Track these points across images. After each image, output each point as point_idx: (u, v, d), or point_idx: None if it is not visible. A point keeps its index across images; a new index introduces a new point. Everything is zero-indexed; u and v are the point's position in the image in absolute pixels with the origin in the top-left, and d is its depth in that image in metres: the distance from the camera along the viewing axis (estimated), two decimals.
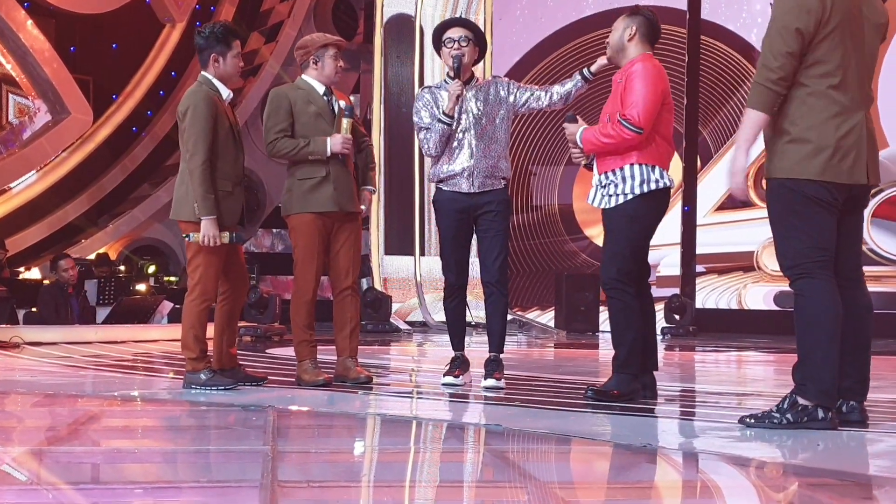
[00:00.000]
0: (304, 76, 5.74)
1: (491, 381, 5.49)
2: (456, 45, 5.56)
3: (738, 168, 3.99)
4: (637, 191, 4.92)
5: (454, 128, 5.54)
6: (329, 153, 5.56)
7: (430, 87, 5.79)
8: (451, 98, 5.49)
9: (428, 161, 5.75)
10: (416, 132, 5.75)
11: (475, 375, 5.72)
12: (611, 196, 4.98)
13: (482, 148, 5.55)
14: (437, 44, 5.67)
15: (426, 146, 5.63)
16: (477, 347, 6.63)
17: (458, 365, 5.68)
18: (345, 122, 5.62)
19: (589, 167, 5.17)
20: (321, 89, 5.70)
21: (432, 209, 5.98)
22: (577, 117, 5.14)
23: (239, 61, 5.46)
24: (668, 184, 5.02)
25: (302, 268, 5.63)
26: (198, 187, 5.23)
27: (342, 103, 5.70)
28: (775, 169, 4.04)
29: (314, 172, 5.60)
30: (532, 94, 5.64)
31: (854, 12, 4.01)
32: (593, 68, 5.52)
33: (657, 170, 4.95)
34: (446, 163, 5.59)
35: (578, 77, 5.59)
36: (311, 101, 5.65)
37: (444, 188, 5.62)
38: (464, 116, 5.55)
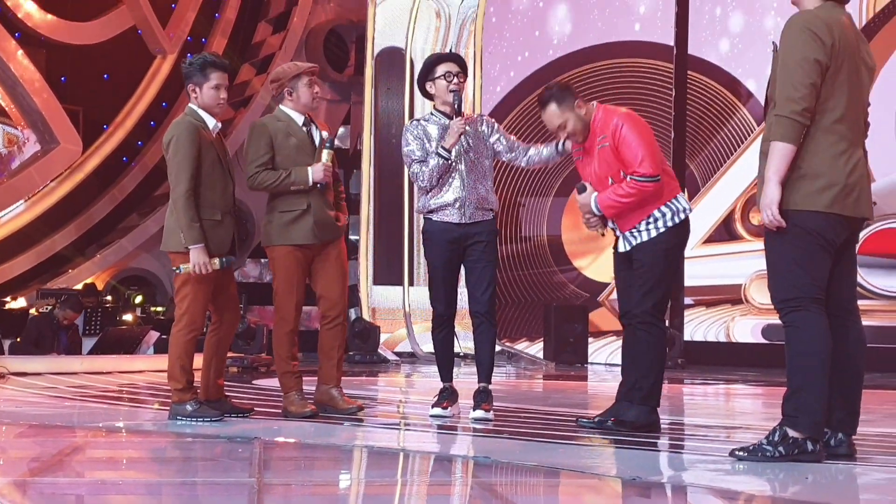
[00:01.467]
0: (281, 107, 5.72)
1: (480, 413, 5.47)
2: (455, 81, 5.58)
3: (771, 200, 3.98)
4: (670, 223, 5.05)
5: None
6: (311, 183, 5.55)
7: (418, 119, 5.80)
8: (454, 134, 5.49)
9: (417, 192, 5.75)
10: (406, 165, 5.74)
11: (464, 407, 5.70)
12: (641, 231, 5.06)
13: (472, 179, 5.58)
14: (429, 74, 5.65)
15: (421, 179, 5.61)
16: (465, 378, 6.60)
17: (447, 396, 5.67)
18: (325, 154, 5.60)
19: (603, 233, 5.25)
20: (300, 119, 5.69)
21: (421, 239, 5.97)
22: (587, 185, 5.18)
23: (219, 93, 5.42)
24: (689, 207, 5.17)
25: (282, 299, 5.63)
26: (182, 217, 5.23)
27: (324, 134, 5.69)
28: (781, 201, 4.02)
29: (295, 205, 5.58)
30: (507, 147, 5.67)
31: (855, 51, 4.07)
32: (567, 146, 5.54)
33: (679, 198, 5.10)
34: (436, 194, 5.60)
35: (555, 150, 5.63)
36: (290, 133, 5.64)
37: (434, 218, 5.63)
38: (454, 148, 5.57)
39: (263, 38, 16.37)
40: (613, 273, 5.36)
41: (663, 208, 5.05)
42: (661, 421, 5.17)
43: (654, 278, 5.05)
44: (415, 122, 5.77)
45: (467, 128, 5.56)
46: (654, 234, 5.04)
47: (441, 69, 5.62)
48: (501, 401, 6.54)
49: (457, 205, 5.56)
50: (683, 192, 11.94)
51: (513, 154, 5.70)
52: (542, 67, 13.68)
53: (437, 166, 5.53)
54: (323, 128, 5.76)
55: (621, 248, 5.17)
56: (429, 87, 5.69)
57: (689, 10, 12.85)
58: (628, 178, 4.99)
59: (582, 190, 5.19)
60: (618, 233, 5.18)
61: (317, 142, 5.68)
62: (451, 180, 5.58)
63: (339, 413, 5.59)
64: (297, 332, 5.67)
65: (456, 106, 5.54)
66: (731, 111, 12.46)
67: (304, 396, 5.63)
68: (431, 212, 5.64)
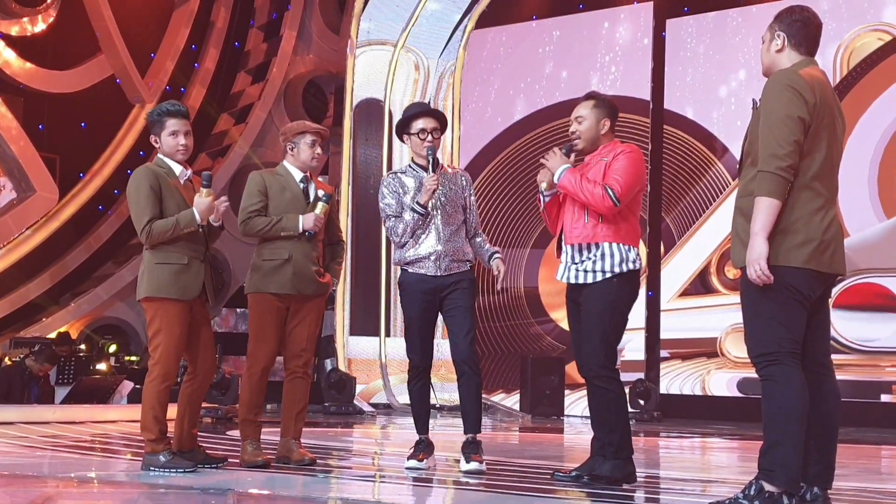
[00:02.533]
0: (284, 162, 5.86)
1: (473, 465, 5.43)
2: (430, 138, 5.61)
3: (758, 255, 4.00)
4: (616, 269, 4.99)
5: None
6: (301, 230, 5.60)
7: (395, 172, 5.80)
8: (428, 192, 5.52)
9: (393, 245, 5.74)
10: (382, 219, 5.76)
11: (440, 458, 5.66)
12: (587, 272, 5.02)
13: (448, 233, 5.60)
14: (405, 128, 5.69)
15: (395, 234, 5.63)
16: (441, 430, 6.57)
17: (423, 448, 5.63)
18: (319, 206, 5.68)
19: (544, 194, 5.18)
20: (298, 176, 5.79)
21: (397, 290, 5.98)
22: (572, 154, 5.19)
23: (177, 139, 5.47)
24: (641, 265, 5.14)
25: (254, 346, 5.66)
26: (165, 232, 5.28)
27: (321, 192, 5.76)
28: None
29: (278, 254, 5.64)
30: (468, 223, 5.71)
31: (831, 109, 4.13)
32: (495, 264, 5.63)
33: (633, 250, 5.06)
34: (413, 247, 5.61)
35: (487, 261, 5.69)
36: (286, 187, 5.74)
37: (410, 270, 5.64)
38: (431, 201, 5.59)
39: (242, 89, 16.43)
40: (568, 322, 5.32)
41: (614, 247, 5.01)
42: (638, 474, 5.15)
43: (603, 330, 4.99)
44: (392, 175, 5.79)
45: (441, 182, 5.59)
46: (599, 278, 4.99)
47: (416, 126, 5.64)
48: None
49: (433, 258, 5.57)
50: (656, 250, 11.85)
51: (471, 231, 5.77)
52: (519, 120, 13.82)
53: (411, 221, 5.56)
54: (322, 187, 5.83)
55: (563, 277, 5.11)
56: (405, 139, 5.74)
57: (665, 66, 13.04)
58: (602, 185, 4.98)
59: (567, 152, 5.16)
60: (564, 256, 5.12)
61: (311, 198, 5.75)
62: (426, 234, 5.59)
63: (292, 464, 5.61)
64: (265, 380, 5.68)
65: (430, 163, 5.57)
66: (707, 166, 12.59)
67: (260, 446, 5.66)
68: (408, 264, 5.64)
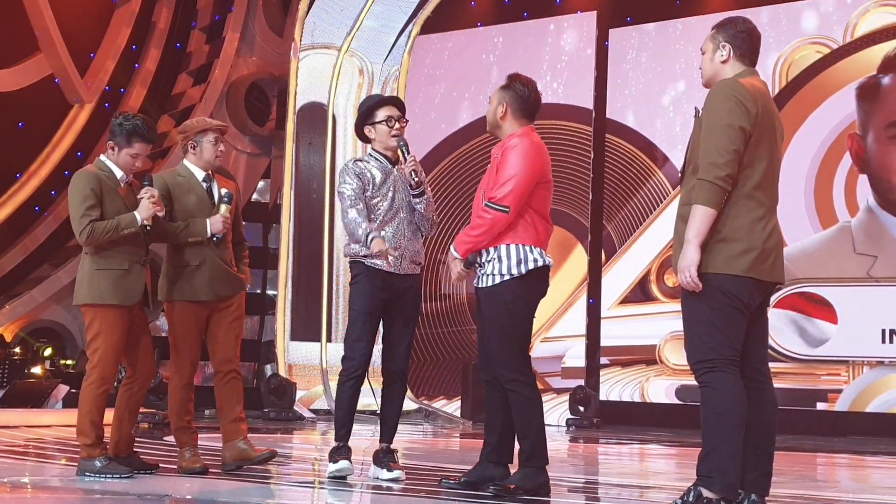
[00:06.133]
0: (184, 161, 5.71)
1: (396, 473, 5.38)
2: (397, 126, 5.51)
3: (689, 263, 4.03)
4: (514, 271, 4.79)
5: (387, 206, 5.44)
6: (209, 234, 5.51)
7: (359, 159, 5.57)
8: (414, 170, 5.42)
9: (338, 245, 5.62)
10: (344, 207, 5.44)
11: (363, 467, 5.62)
12: (486, 275, 4.86)
13: (410, 232, 5.50)
14: (368, 118, 5.53)
15: (353, 225, 5.36)
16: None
17: (344, 453, 5.41)
18: (223, 207, 5.59)
19: (469, 265, 4.92)
20: (201, 175, 5.67)
21: (340, 294, 5.89)
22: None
23: (134, 161, 5.40)
24: (547, 262, 4.88)
25: (177, 354, 5.57)
26: (105, 233, 5.18)
27: (223, 190, 5.64)
28: (700, 264, 4.07)
29: (190, 260, 5.53)
30: None
31: (772, 119, 4.19)
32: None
33: (535, 249, 4.84)
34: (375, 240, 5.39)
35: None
36: (190, 189, 5.62)
37: (367, 263, 5.44)
38: (398, 196, 5.47)
39: (184, 90, 16.25)
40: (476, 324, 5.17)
41: (511, 248, 4.81)
42: (575, 480, 5.16)
43: (503, 333, 4.79)
44: (355, 161, 5.56)
45: (402, 180, 5.47)
46: (497, 280, 4.80)
47: (382, 114, 5.51)
48: (418, 459, 6.49)
49: (395, 254, 5.42)
50: (597, 258, 11.91)
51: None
52: (463, 126, 13.84)
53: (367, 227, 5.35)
54: (224, 184, 5.72)
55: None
56: (367, 131, 5.56)
57: (607, 75, 13.14)
58: (483, 204, 4.82)
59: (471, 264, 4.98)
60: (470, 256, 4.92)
61: (216, 198, 5.66)
62: (392, 228, 5.44)
63: (254, 464, 5.52)
64: (192, 386, 5.63)
65: (402, 151, 5.44)
66: (648, 174, 12.71)
67: (198, 452, 5.59)
68: (366, 256, 5.42)
